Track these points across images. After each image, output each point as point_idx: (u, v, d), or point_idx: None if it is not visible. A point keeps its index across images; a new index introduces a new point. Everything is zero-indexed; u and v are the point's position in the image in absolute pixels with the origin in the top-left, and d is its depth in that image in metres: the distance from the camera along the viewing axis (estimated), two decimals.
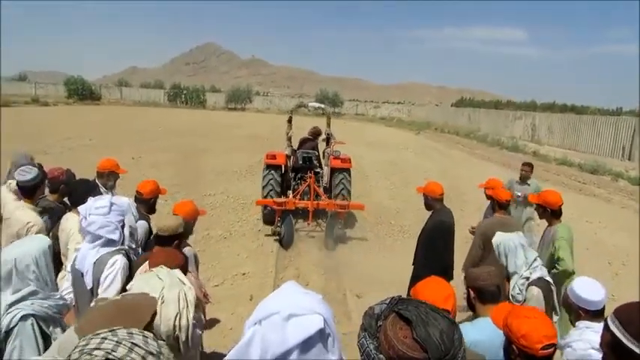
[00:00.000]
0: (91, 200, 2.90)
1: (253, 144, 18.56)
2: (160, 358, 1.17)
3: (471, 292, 2.55)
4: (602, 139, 21.51)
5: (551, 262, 4.09)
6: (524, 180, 7.06)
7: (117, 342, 1.10)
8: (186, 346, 2.10)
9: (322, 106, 10.08)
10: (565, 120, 25.32)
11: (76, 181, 4.30)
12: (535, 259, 3.19)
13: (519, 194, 6.81)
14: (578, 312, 2.50)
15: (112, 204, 2.82)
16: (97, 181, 4.55)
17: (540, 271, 3.15)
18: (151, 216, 3.89)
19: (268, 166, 8.53)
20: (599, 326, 2.35)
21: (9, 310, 1.95)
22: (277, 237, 7.86)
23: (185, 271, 2.46)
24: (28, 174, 3.53)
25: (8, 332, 1.93)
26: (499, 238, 3.28)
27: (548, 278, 3.17)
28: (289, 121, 9.38)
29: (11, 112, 29.05)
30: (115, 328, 1.19)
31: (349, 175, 8.77)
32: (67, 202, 4.14)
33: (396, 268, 6.10)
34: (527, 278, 3.10)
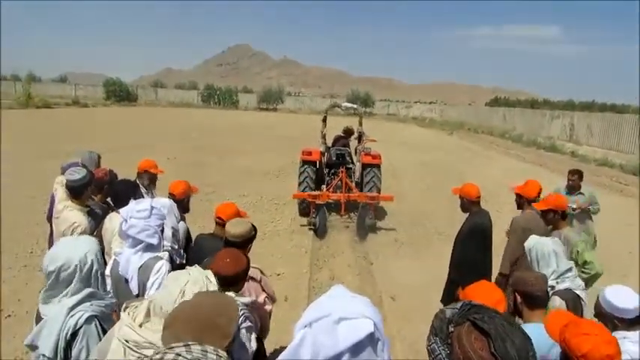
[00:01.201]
0: (132, 203, 2.93)
1: (285, 145, 18.68)
2: None
3: (518, 297, 2.47)
4: None
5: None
6: (572, 190, 6.07)
7: None
8: None
9: (355, 106, 10.62)
10: (605, 119, 24.21)
11: (118, 181, 4.40)
12: (569, 269, 3.03)
13: (573, 206, 5.75)
14: (613, 322, 2.38)
15: (152, 207, 2.84)
16: (137, 181, 4.68)
17: (570, 282, 2.97)
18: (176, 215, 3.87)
19: (304, 162, 9.06)
20: (634, 335, 2.25)
21: (72, 313, 2.01)
22: (312, 227, 8.37)
23: (246, 274, 2.45)
24: (76, 174, 3.59)
25: (74, 334, 2.00)
26: (533, 242, 3.15)
27: (579, 292, 2.98)
28: (324, 120, 9.92)
29: (53, 114, 30.19)
30: (190, 343, 1.19)
31: (379, 170, 9.19)
32: (110, 202, 4.25)
33: (432, 270, 6.03)
34: (553, 287, 2.95)
